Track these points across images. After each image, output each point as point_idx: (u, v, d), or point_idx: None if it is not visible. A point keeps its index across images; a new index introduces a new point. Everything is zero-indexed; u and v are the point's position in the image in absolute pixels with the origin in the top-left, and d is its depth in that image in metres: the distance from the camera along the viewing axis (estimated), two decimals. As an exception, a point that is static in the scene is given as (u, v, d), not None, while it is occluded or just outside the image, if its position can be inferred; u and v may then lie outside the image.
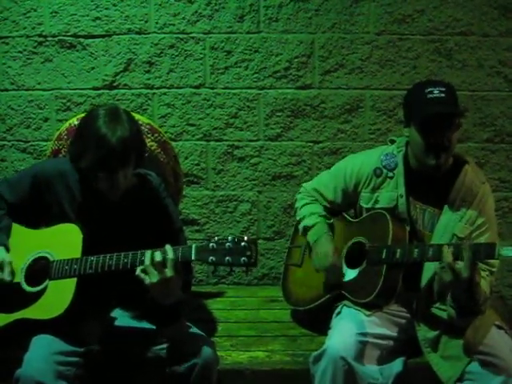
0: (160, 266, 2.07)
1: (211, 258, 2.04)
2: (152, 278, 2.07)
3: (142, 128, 2.74)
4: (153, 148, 2.78)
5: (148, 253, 2.10)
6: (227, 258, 2.03)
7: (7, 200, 2.40)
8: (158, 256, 2.08)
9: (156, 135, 2.81)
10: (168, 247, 2.10)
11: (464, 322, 2.32)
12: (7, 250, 2.32)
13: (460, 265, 2.13)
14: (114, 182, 2.22)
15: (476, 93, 3.42)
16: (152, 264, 2.08)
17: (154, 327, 2.33)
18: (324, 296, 2.62)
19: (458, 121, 2.37)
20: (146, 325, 2.37)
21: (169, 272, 2.07)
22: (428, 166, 2.38)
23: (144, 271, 2.09)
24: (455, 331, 2.33)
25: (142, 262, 2.12)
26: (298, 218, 2.77)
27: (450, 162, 2.45)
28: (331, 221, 2.71)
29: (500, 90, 3.42)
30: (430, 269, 2.40)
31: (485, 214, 2.42)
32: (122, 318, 2.43)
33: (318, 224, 2.65)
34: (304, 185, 2.86)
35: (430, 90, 2.34)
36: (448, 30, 3.37)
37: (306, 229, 2.68)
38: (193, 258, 2.08)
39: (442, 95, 2.33)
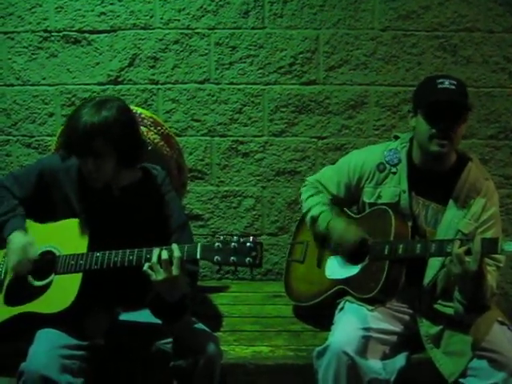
0: (166, 264, 2.08)
1: (216, 257, 2.05)
2: (158, 275, 2.09)
3: (145, 121, 2.74)
4: (156, 141, 2.79)
5: (156, 250, 2.11)
6: (232, 257, 2.03)
7: (14, 194, 2.41)
8: (164, 254, 2.09)
9: (159, 128, 2.81)
10: (174, 246, 2.11)
11: (471, 318, 2.32)
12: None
13: (468, 258, 2.13)
14: (84, 169, 2.25)
15: (481, 89, 3.42)
16: (158, 262, 2.09)
17: (159, 322, 2.34)
18: (326, 292, 2.63)
19: (466, 114, 2.37)
20: (150, 319, 2.38)
21: (175, 270, 2.08)
22: (431, 153, 2.38)
23: (151, 268, 2.10)
24: (458, 327, 2.33)
25: (147, 260, 2.13)
26: (304, 211, 2.77)
27: (453, 158, 2.46)
28: (337, 209, 2.71)
29: (505, 87, 3.41)
30: (434, 266, 2.41)
31: (489, 210, 2.43)
32: (126, 312, 2.44)
33: (324, 212, 2.64)
34: (308, 178, 2.86)
35: (441, 80, 2.38)
36: (453, 26, 3.37)
37: (314, 219, 2.67)
38: (198, 256, 2.09)
39: (453, 87, 2.35)
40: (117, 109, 2.24)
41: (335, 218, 2.61)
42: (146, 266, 2.11)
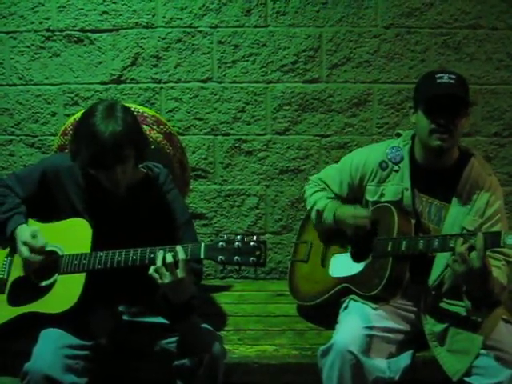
0: (172, 267, 2.08)
1: (220, 257, 2.04)
2: (164, 278, 2.08)
3: (148, 120, 2.74)
4: (158, 140, 2.79)
5: (160, 253, 2.11)
6: (236, 257, 2.03)
7: (17, 194, 2.41)
8: (169, 257, 2.09)
9: (162, 127, 2.81)
10: (179, 248, 2.10)
11: (483, 315, 2.31)
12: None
13: (472, 255, 2.12)
14: (112, 178, 2.22)
15: (484, 86, 3.40)
16: (163, 265, 2.08)
17: (162, 321, 2.34)
18: (330, 291, 2.62)
19: (466, 107, 2.37)
20: (153, 319, 2.38)
21: (180, 273, 2.08)
22: (432, 148, 2.38)
23: (157, 271, 2.10)
24: (463, 325, 2.33)
25: (150, 259, 2.13)
26: (309, 207, 2.78)
27: (455, 154, 2.46)
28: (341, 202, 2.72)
29: (508, 84, 3.40)
30: (440, 263, 2.40)
31: (493, 205, 2.42)
32: (130, 312, 2.44)
33: (329, 203, 2.66)
34: (311, 177, 2.87)
35: (440, 75, 2.38)
36: (456, 23, 3.35)
37: (320, 212, 2.68)
38: (202, 256, 2.09)
39: (452, 81, 2.35)
40: (124, 110, 2.24)
41: (341, 206, 2.62)
42: (151, 270, 2.10)
